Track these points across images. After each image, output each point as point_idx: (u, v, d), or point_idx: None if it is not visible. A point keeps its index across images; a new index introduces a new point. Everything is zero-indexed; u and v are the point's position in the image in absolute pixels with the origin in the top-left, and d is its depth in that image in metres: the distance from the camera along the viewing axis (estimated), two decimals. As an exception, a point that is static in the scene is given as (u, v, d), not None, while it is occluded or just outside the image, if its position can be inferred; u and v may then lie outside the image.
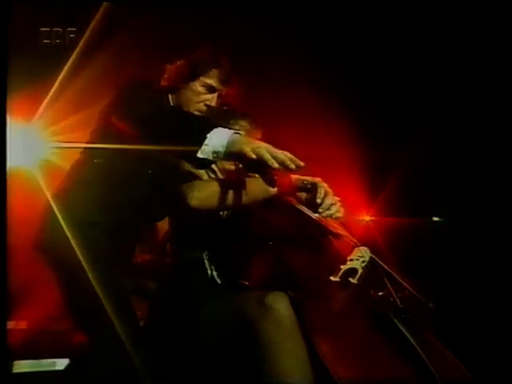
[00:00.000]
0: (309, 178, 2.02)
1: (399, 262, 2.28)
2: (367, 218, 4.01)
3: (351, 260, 2.00)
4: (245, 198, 1.94)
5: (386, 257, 2.14)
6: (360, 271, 1.96)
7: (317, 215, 2.03)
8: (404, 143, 3.67)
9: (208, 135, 1.66)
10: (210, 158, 1.67)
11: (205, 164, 1.72)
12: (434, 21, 3.20)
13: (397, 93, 3.45)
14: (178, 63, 2.11)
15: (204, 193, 1.92)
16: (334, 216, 1.97)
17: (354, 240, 2.08)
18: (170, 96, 2.13)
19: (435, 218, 3.53)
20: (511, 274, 3.13)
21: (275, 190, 1.92)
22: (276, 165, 1.61)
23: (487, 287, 3.19)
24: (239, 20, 3.16)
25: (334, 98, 3.47)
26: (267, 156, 1.61)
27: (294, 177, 2.00)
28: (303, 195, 2.07)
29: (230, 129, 2.03)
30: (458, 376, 1.85)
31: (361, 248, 2.05)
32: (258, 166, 1.65)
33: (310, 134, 3.48)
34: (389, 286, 1.94)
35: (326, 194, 1.96)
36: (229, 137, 1.66)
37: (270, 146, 1.64)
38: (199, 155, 1.67)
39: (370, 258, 2.02)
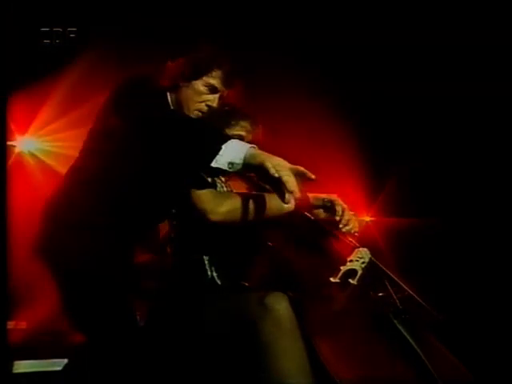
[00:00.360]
0: (326, 197, 2.07)
1: (399, 263, 2.29)
2: (367, 218, 4.00)
3: (351, 261, 2.01)
4: (263, 214, 1.95)
5: (385, 258, 2.15)
6: (360, 272, 1.97)
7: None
8: (404, 143, 3.67)
9: (223, 146, 1.67)
10: (225, 168, 1.68)
11: (216, 173, 1.73)
12: (435, 24, 3.20)
13: (397, 93, 3.44)
14: (181, 61, 2.07)
15: (225, 208, 1.95)
16: (351, 231, 2.02)
17: (354, 241, 2.09)
18: (168, 95, 2.10)
19: (435, 218, 3.52)
20: (511, 275, 3.13)
21: (293, 205, 1.94)
22: (296, 190, 1.62)
23: (487, 287, 3.19)
24: (241, 21, 3.16)
25: (334, 99, 3.47)
26: (286, 179, 1.62)
27: (312, 195, 2.04)
28: (320, 213, 2.11)
29: (230, 129, 2.03)
30: (458, 376, 1.86)
31: (360, 249, 2.06)
32: (276, 181, 1.65)
33: (310, 134, 3.48)
34: (388, 287, 1.94)
35: (343, 211, 2.01)
36: (246, 150, 1.67)
37: (290, 167, 1.65)
38: (213, 165, 1.68)
39: (370, 259, 2.03)
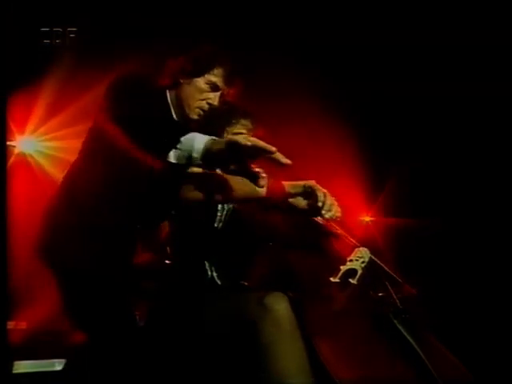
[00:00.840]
0: (306, 183, 1.98)
1: (399, 263, 2.28)
2: (367, 218, 4.00)
3: (351, 261, 2.01)
4: (231, 195, 1.90)
5: (385, 257, 2.14)
6: (360, 272, 1.96)
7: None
8: (404, 143, 3.67)
9: (182, 138, 1.63)
10: (183, 162, 1.64)
11: (182, 168, 1.68)
12: (434, 23, 3.20)
13: (397, 93, 3.45)
14: (182, 58, 2.06)
15: (189, 184, 1.91)
16: (334, 216, 1.93)
17: (354, 241, 2.08)
18: (168, 92, 2.08)
19: (435, 218, 3.52)
20: (511, 274, 3.13)
21: (264, 190, 1.87)
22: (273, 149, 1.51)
23: (487, 287, 3.19)
24: (243, 20, 3.15)
25: (334, 99, 3.47)
26: (262, 143, 1.51)
27: (288, 183, 1.99)
28: (300, 200, 2.03)
29: (231, 127, 2.01)
30: (458, 376, 1.86)
31: (360, 249, 2.05)
32: (241, 166, 1.58)
33: (310, 134, 3.48)
34: (388, 286, 1.94)
35: (325, 195, 1.93)
36: (206, 140, 1.62)
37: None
38: (171, 159, 1.64)
39: (370, 258, 2.02)
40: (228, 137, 1.59)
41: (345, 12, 3.29)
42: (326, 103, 3.39)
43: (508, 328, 2.82)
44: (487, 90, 3.21)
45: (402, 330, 1.80)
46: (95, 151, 2.01)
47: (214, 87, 2.06)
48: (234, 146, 1.53)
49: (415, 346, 1.77)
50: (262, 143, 1.51)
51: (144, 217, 2.05)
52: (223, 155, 1.57)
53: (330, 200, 1.92)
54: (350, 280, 1.94)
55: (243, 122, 2.12)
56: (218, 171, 2.01)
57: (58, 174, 2.95)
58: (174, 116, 2.10)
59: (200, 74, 2.04)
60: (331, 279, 1.95)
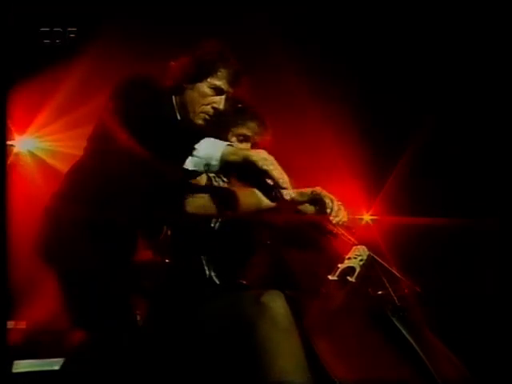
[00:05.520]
0: (312, 190, 2.03)
1: (398, 261, 2.28)
2: (367, 217, 4.00)
3: (349, 259, 2.01)
4: (236, 208, 1.94)
5: (384, 255, 2.14)
6: (358, 270, 1.96)
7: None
8: (404, 142, 3.67)
9: (197, 146, 1.61)
10: (201, 169, 1.63)
11: (193, 175, 1.68)
12: (434, 19, 3.20)
13: (397, 90, 3.45)
14: (184, 61, 2.02)
15: (200, 201, 1.93)
16: (341, 221, 1.99)
17: (352, 239, 2.08)
18: (173, 97, 2.05)
19: (435, 217, 3.52)
20: (511, 273, 3.13)
21: (271, 202, 1.86)
22: (285, 184, 1.56)
23: (487, 286, 3.18)
24: (247, 19, 3.15)
25: (335, 97, 3.47)
26: (277, 174, 1.55)
27: (294, 191, 1.95)
28: (307, 207, 2.08)
29: (236, 128, 2.00)
30: (458, 375, 1.85)
31: (359, 247, 2.05)
32: (256, 178, 1.59)
33: (310, 133, 3.48)
34: (387, 284, 1.94)
35: (332, 201, 1.98)
36: (223, 148, 1.60)
37: (274, 160, 1.57)
38: (188, 167, 1.62)
39: (368, 256, 2.02)
40: (246, 152, 1.58)
41: (347, 12, 3.30)
42: (325, 101, 3.39)
43: (507, 327, 2.81)
44: (487, 88, 3.21)
45: (401, 328, 1.80)
46: (99, 150, 2.01)
47: (218, 91, 2.01)
48: (249, 164, 1.54)
49: (413, 344, 1.77)
50: (276, 173, 1.54)
51: (144, 216, 2.05)
52: (238, 167, 1.57)
53: (337, 205, 1.98)
54: (348, 278, 1.94)
55: (250, 124, 2.10)
56: (224, 182, 2.02)
57: (56, 174, 2.96)
58: (179, 118, 2.08)
59: (202, 78, 2.01)
60: (329, 277, 1.94)
